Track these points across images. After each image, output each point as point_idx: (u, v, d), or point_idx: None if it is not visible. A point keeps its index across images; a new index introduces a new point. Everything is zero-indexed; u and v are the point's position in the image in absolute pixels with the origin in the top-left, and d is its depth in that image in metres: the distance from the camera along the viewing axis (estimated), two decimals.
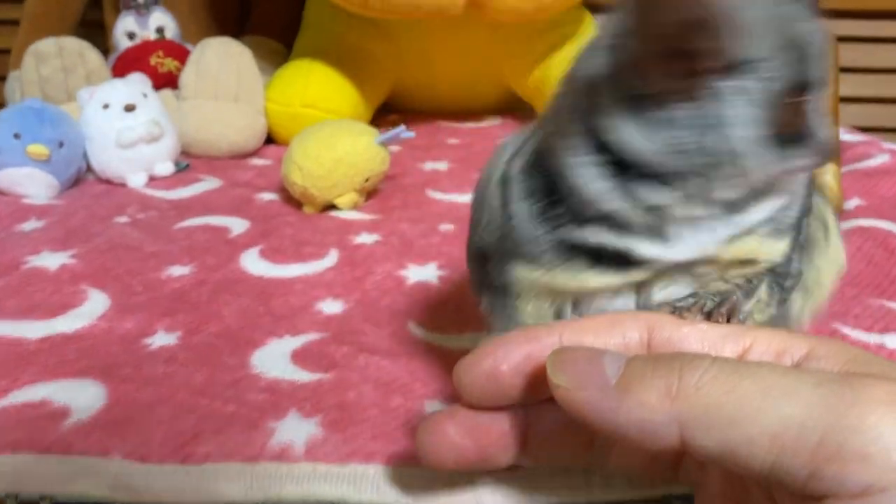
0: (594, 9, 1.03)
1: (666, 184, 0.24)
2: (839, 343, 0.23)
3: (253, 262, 0.51)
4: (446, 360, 0.40)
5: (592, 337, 0.25)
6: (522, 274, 0.28)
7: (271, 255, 0.53)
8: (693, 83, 0.23)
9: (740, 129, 0.23)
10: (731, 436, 0.20)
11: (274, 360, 0.40)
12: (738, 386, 0.21)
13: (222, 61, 0.72)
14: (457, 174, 0.69)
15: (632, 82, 0.24)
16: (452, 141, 0.80)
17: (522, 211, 0.28)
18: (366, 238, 0.56)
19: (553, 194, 0.27)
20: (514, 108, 0.88)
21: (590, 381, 0.22)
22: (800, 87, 0.24)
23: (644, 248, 0.26)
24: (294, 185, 0.60)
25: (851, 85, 1.03)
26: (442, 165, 0.72)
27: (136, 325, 0.43)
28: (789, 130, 0.24)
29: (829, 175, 0.60)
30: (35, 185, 0.62)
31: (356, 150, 0.60)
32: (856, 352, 0.23)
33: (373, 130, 0.62)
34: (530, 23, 0.74)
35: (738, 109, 0.23)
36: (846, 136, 0.80)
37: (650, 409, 0.21)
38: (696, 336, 0.25)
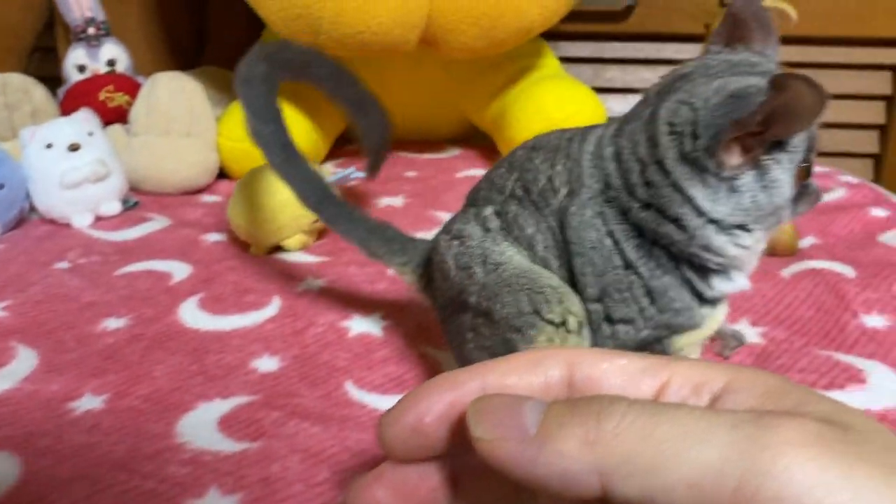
0: (550, 37, 1.03)
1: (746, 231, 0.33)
2: (756, 372, 0.23)
3: (191, 314, 0.50)
4: None
5: (516, 378, 0.24)
6: (688, 339, 0.36)
7: (211, 304, 0.51)
8: (758, 157, 0.32)
9: (787, 189, 0.32)
10: (650, 483, 0.20)
11: (200, 427, 0.39)
12: (656, 431, 0.20)
13: (173, 96, 0.71)
14: (412, 211, 0.69)
15: (707, 162, 0.32)
16: (410, 174, 0.79)
17: (671, 283, 0.34)
18: (311, 284, 0.55)
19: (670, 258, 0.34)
20: (472, 138, 0.87)
21: (509, 433, 0.22)
22: (807, 154, 0.33)
23: (723, 285, 0.35)
24: (239, 228, 0.59)
25: None
26: (398, 201, 0.71)
27: (62, 386, 0.42)
28: (798, 187, 0.33)
29: None
30: None
31: None
32: (772, 382, 0.22)
33: (322, 171, 0.61)
34: (486, 58, 0.73)
35: (785, 175, 0.32)
36: None
37: (570, 459, 0.21)
38: (616, 372, 0.24)
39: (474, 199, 0.42)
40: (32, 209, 0.66)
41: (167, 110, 0.70)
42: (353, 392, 0.42)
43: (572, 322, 0.35)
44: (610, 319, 0.36)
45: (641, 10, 0.99)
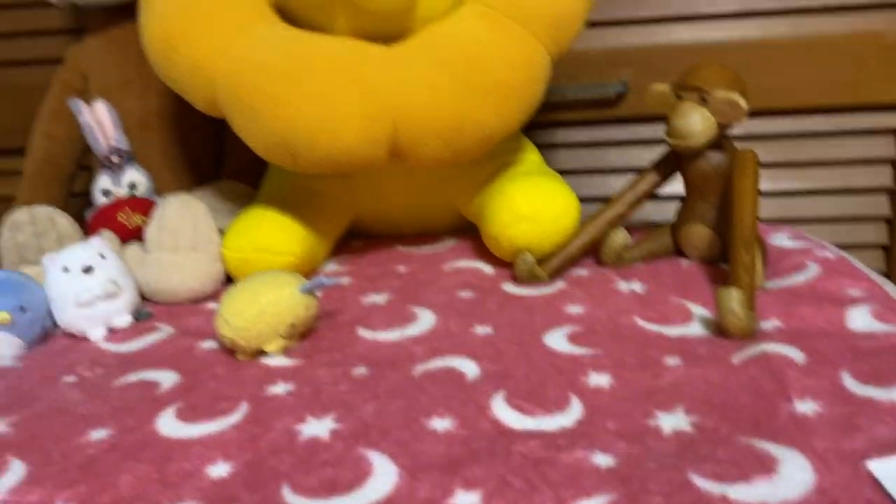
0: (549, 126, 1.08)
1: None
2: None
3: (166, 423, 0.56)
4: None
5: None
6: None
7: (187, 413, 0.57)
8: None
9: None
10: None
11: None
12: None
13: (181, 215, 0.79)
14: (391, 309, 0.73)
15: None
16: (401, 268, 0.84)
17: None
18: (280, 388, 0.60)
19: None
20: (467, 228, 0.92)
21: None
22: None
23: None
24: (223, 338, 0.65)
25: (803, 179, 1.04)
26: (382, 298, 0.76)
27: (38, 497, 0.48)
28: None
29: (733, 301, 0.61)
30: (2, 346, 0.69)
31: (278, 300, 0.64)
32: None
33: (297, 280, 0.66)
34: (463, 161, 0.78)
35: None
36: (786, 241, 0.81)
37: None
38: None
39: None
40: (56, 325, 0.74)
41: (175, 228, 0.78)
42: (288, 496, 0.46)
43: None
44: None
45: (632, 96, 1.03)
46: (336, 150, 0.69)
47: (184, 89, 0.72)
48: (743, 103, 0.69)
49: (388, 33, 0.74)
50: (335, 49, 0.70)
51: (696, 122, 0.71)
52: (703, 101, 0.71)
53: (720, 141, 0.74)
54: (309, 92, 0.67)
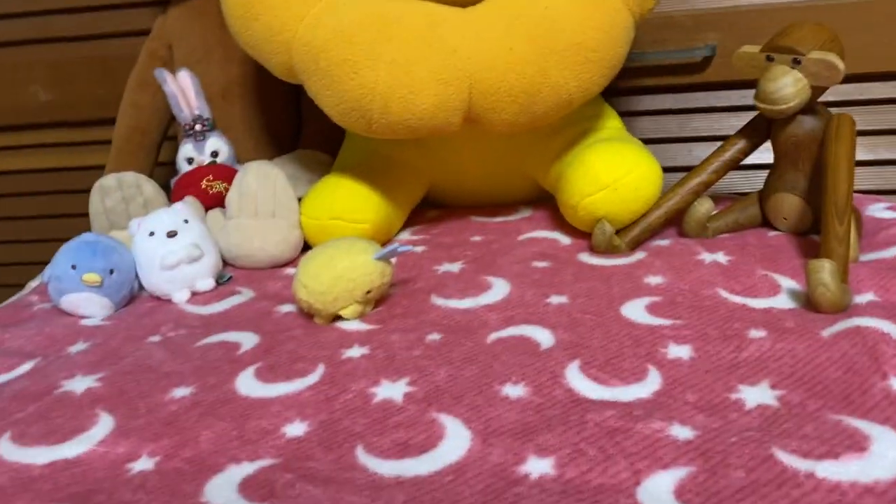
0: (633, 92, 1.05)
1: None
2: None
3: (246, 382, 0.57)
4: (377, 487, 0.43)
5: None
6: None
7: (265, 373, 0.58)
8: None
9: None
10: None
11: (224, 488, 0.45)
12: None
13: (260, 183, 0.80)
14: (465, 277, 0.73)
15: None
16: (476, 238, 0.83)
17: None
18: (355, 352, 0.60)
19: None
20: (543, 198, 0.90)
21: None
22: None
23: None
24: (301, 301, 0.66)
25: None
26: (455, 267, 0.76)
27: (126, 449, 0.50)
28: None
29: (825, 273, 0.58)
30: (92, 307, 0.72)
31: (354, 267, 0.65)
32: None
33: (372, 248, 0.66)
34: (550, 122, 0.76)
35: None
36: (883, 212, 0.76)
37: None
38: None
39: None
40: (142, 288, 0.77)
41: (255, 195, 0.80)
42: (361, 457, 0.47)
43: None
44: None
45: (719, 60, 0.99)
46: (410, 115, 0.69)
47: (261, 55, 0.73)
48: (840, 65, 0.65)
49: None
50: (410, 13, 0.69)
51: (789, 85, 0.67)
52: (797, 63, 0.67)
53: (814, 105, 0.70)
54: (383, 56, 0.67)
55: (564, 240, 0.81)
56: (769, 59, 0.69)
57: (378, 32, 0.68)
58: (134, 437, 0.51)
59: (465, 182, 0.90)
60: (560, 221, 0.83)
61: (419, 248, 0.82)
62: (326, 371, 0.57)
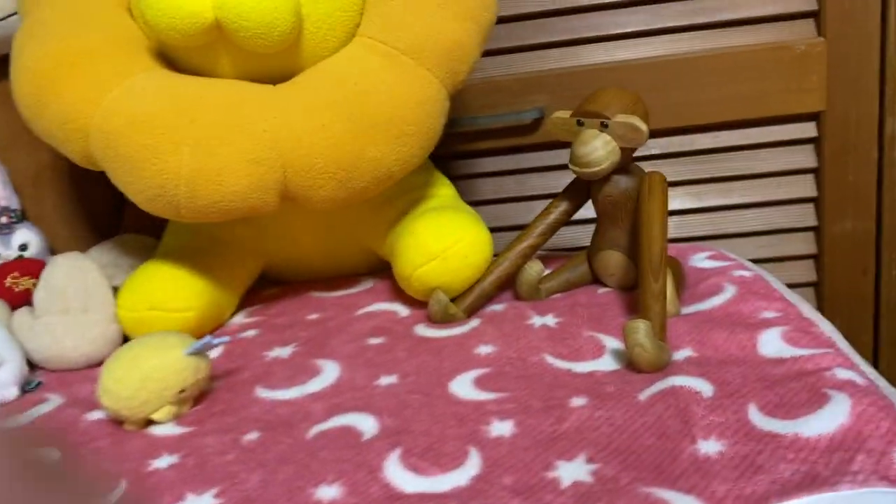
0: (473, 155, 1.06)
1: None
2: None
3: None
4: None
5: None
6: None
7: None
8: None
9: None
10: None
11: None
12: None
13: (69, 275, 0.74)
14: (295, 363, 0.69)
15: None
16: (313, 316, 0.80)
17: None
18: (163, 461, 0.55)
19: None
20: (385, 267, 0.88)
21: None
22: None
23: None
24: (107, 409, 0.61)
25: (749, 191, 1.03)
26: (286, 352, 0.72)
27: None
28: None
29: (640, 334, 0.58)
30: None
31: (163, 366, 0.60)
32: None
33: (185, 342, 0.62)
34: (377, 195, 0.75)
35: None
36: (705, 262, 0.79)
37: None
38: None
39: None
40: None
41: (64, 290, 0.74)
42: None
43: None
44: None
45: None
46: (220, 198, 0.65)
47: (57, 144, 0.69)
48: (643, 126, 0.67)
49: (275, 73, 0.71)
50: (213, 93, 0.66)
51: (599, 149, 0.69)
52: (604, 127, 0.69)
53: (626, 165, 0.72)
54: (186, 140, 0.64)
55: (403, 311, 0.79)
56: (580, 123, 0.71)
57: (179, 115, 0.64)
58: None
59: (302, 257, 0.87)
60: (400, 291, 0.82)
61: (251, 333, 0.78)
62: (127, 490, 0.52)
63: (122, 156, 0.65)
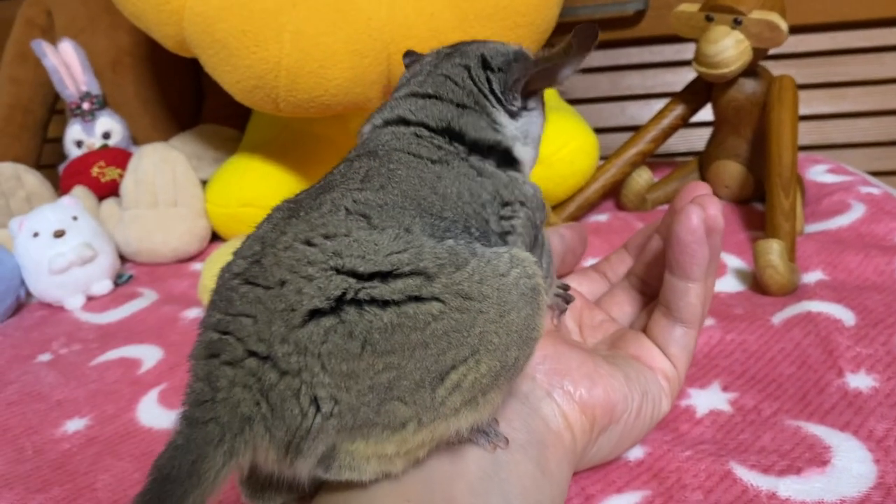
0: None
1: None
2: None
3: (148, 410, 0.51)
4: None
5: None
6: None
7: (169, 398, 0.52)
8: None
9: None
10: None
11: None
12: None
13: (158, 168, 0.72)
14: None
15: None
16: None
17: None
18: None
19: None
20: None
21: None
22: None
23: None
24: None
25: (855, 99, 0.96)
26: None
27: (8, 503, 0.43)
28: None
29: (773, 254, 0.55)
30: None
31: None
32: None
33: None
34: None
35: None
36: (825, 176, 0.74)
37: None
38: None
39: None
40: (30, 294, 0.68)
41: (153, 182, 0.71)
42: None
43: None
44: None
45: (653, 14, 0.94)
46: (322, 92, 0.61)
47: (148, 26, 0.64)
48: (783, 25, 0.61)
49: None
50: None
51: (730, 48, 0.63)
52: (737, 24, 0.63)
53: (755, 67, 0.66)
54: (288, 26, 0.59)
55: None
56: (709, 18, 0.65)
57: None
58: (18, 487, 0.44)
59: None
60: None
61: None
62: None
63: (218, 41, 0.61)
